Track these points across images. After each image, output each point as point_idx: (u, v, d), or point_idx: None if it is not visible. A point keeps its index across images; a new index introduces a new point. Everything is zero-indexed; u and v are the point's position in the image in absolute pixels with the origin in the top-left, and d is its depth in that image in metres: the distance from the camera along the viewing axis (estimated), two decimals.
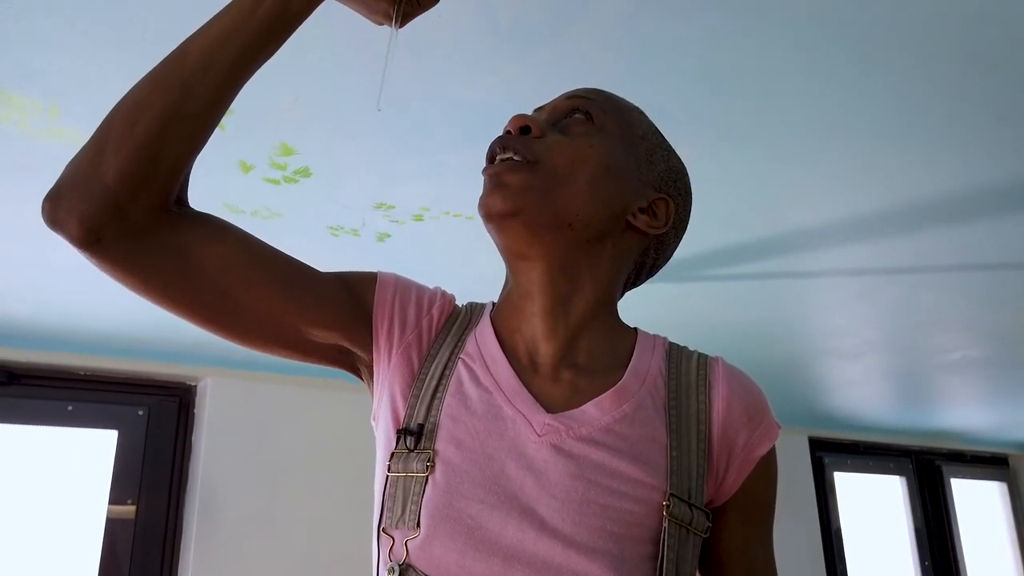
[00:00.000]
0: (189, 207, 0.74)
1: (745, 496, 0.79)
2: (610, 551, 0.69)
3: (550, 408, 0.76)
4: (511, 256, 0.81)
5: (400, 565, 0.70)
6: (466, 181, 1.45)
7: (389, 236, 1.68)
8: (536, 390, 0.77)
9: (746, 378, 0.82)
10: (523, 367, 0.79)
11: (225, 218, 0.76)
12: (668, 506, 0.72)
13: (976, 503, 4.60)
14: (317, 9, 0.73)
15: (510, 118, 0.81)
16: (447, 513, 0.70)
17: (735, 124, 1.31)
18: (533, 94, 1.15)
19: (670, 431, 0.76)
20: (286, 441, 2.56)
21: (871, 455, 4.25)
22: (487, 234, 0.80)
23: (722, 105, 1.25)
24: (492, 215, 0.77)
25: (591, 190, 0.78)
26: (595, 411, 0.75)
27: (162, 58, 0.71)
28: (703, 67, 1.15)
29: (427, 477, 0.72)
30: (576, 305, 0.80)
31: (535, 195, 0.76)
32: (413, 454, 0.74)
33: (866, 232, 1.72)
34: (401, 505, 0.72)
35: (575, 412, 0.75)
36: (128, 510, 2.36)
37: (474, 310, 0.86)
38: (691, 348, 0.85)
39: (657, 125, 0.89)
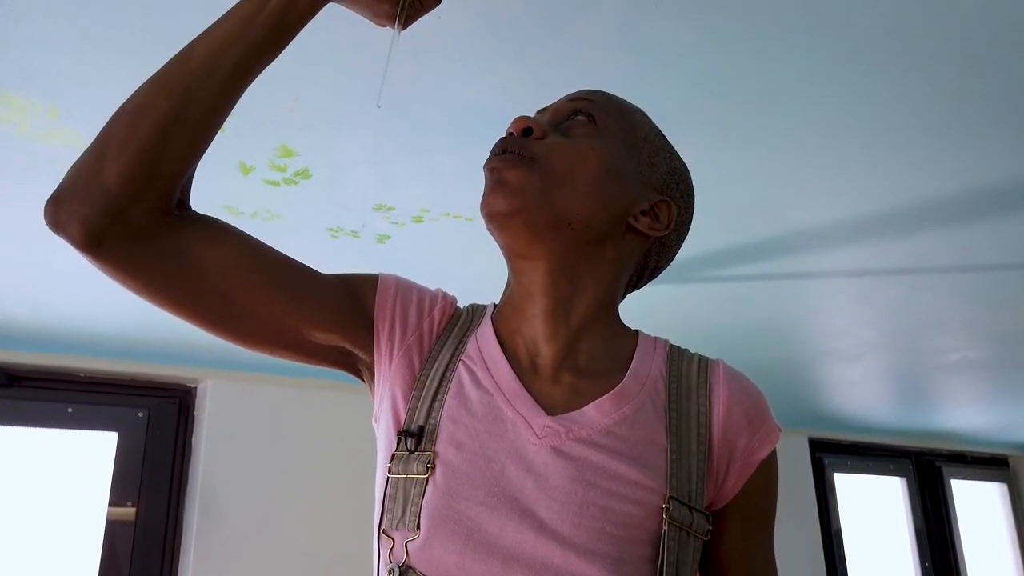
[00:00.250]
0: (191, 210, 0.74)
1: (745, 499, 0.79)
2: (609, 553, 0.69)
3: (550, 410, 0.76)
4: (513, 256, 0.81)
5: (400, 566, 0.70)
6: (466, 182, 1.45)
7: (389, 238, 1.68)
8: (536, 392, 0.77)
9: (747, 381, 0.82)
10: (523, 369, 0.79)
11: (225, 220, 0.76)
12: (668, 509, 0.72)
13: (976, 504, 4.60)
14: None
15: (512, 120, 0.81)
16: (447, 515, 0.70)
17: (735, 125, 1.31)
18: (533, 95, 1.15)
19: (670, 434, 0.76)
20: (286, 443, 2.56)
21: (871, 456, 4.25)
22: (487, 235, 0.80)
23: (722, 106, 1.25)
24: (493, 215, 0.77)
25: (592, 191, 0.78)
26: (595, 413, 0.75)
27: (163, 61, 0.71)
28: (703, 68, 1.15)
29: (427, 479, 0.72)
30: (577, 307, 0.80)
31: (535, 194, 0.76)
32: (413, 456, 0.74)
33: (866, 233, 1.72)
34: (401, 506, 0.72)
35: (575, 414, 0.75)
36: (128, 512, 2.36)
37: (475, 312, 0.86)
38: (692, 350, 0.85)
39: (657, 126, 0.89)
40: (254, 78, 0.73)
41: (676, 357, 0.83)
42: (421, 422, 0.76)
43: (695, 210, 0.91)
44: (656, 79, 1.18)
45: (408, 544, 0.70)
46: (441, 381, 0.78)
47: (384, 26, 0.80)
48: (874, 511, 4.23)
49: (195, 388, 2.56)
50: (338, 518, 2.53)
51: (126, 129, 0.68)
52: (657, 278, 0.91)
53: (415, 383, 0.79)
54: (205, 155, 0.73)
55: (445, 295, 0.86)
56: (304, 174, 1.41)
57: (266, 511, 2.48)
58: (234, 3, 0.72)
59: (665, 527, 0.71)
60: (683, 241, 0.89)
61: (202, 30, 0.72)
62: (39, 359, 2.33)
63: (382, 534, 0.73)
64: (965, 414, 3.81)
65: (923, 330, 2.44)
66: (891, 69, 1.16)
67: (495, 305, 0.86)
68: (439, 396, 0.77)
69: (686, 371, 0.81)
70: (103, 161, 0.67)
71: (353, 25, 0.91)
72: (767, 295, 2.11)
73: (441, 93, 1.20)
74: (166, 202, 0.70)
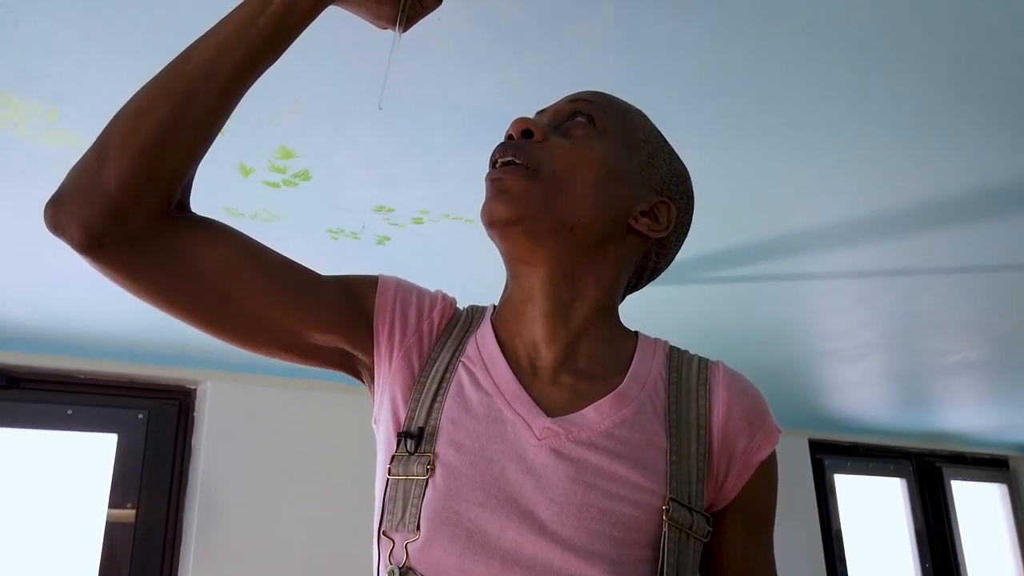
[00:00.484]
0: (191, 211, 0.75)
1: (745, 500, 0.79)
2: (609, 555, 0.69)
3: (550, 412, 0.76)
4: (513, 261, 0.81)
5: (400, 568, 0.70)
6: (466, 184, 1.45)
7: (389, 239, 1.68)
8: (536, 394, 0.77)
9: (746, 382, 0.82)
10: (523, 371, 0.79)
11: (224, 221, 0.76)
12: (668, 510, 0.72)
13: (976, 505, 4.59)
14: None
15: (512, 121, 0.81)
16: (447, 516, 0.70)
17: (735, 125, 1.31)
18: (533, 96, 1.15)
19: (670, 435, 0.76)
20: (286, 444, 2.56)
21: (871, 457, 4.24)
22: (487, 237, 0.80)
23: (722, 106, 1.25)
24: (494, 222, 0.77)
25: (593, 195, 0.78)
26: (595, 415, 0.75)
27: (163, 63, 0.71)
28: (703, 69, 1.15)
29: (427, 480, 0.72)
30: (577, 309, 0.80)
31: (537, 203, 0.76)
32: (413, 457, 0.74)
33: (866, 233, 1.72)
34: (401, 508, 0.72)
35: (575, 416, 0.75)
36: (128, 514, 2.36)
37: (475, 313, 0.86)
38: (691, 352, 0.85)
39: (656, 127, 0.89)
40: (254, 81, 0.73)
41: (676, 358, 0.83)
42: (421, 423, 0.76)
43: (695, 211, 0.91)
44: (656, 80, 1.18)
45: (408, 545, 0.70)
46: (441, 382, 0.78)
47: (385, 28, 0.80)
48: (874, 512, 4.23)
49: (195, 390, 2.56)
50: (338, 520, 2.53)
51: (126, 132, 0.68)
52: (657, 279, 0.91)
53: (415, 384, 0.79)
54: (205, 156, 0.73)
55: (445, 297, 0.86)
56: (304, 175, 1.41)
57: (266, 513, 2.47)
58: (234, 5, 0.72)
59: (665, 529, 0.71)
60: (682, 242, 0.89)
61: (202, 32, 0.72)
62: (39, 361, 2.33)
63: (382, 535, 0.73)
64: (965, 415, 3.81)
65: (923, 331, 2.44)
66: (891, 69, 1.16)
67: (494, 307, 0.86)
68: (439, 397, 0.77)
69: (686, 373, 0.81)
70: (103, 163, 0.67)
71: (353, 26, 0.91)
72: (767, 296, 2.11)
73: (441, 94, 1.20)
74: (166, 204, 0.70)
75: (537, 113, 0.86)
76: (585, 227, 0.78)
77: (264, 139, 1.29)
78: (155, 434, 2.45)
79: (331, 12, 0.77)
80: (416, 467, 0.73)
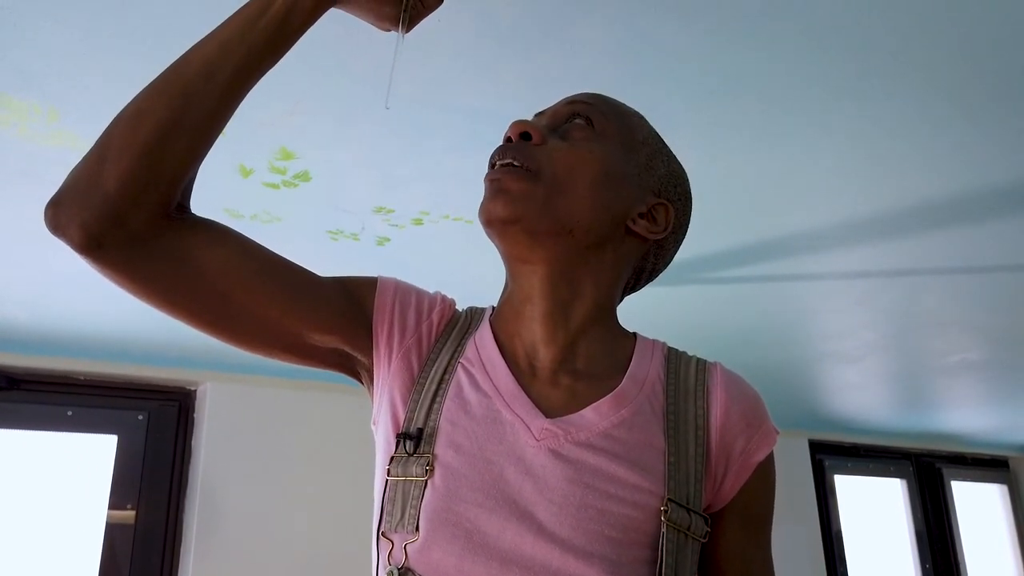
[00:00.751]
0: (191, 213, 0.75)
1: (743, 501, 0.79)
2: (607, 555, 0.69)
3: (549, 413, 0.76)
4: (512, 260, 0.81)
5: (399, 569, 0.70)
6: (466, 185, 1.45)
7: (389, 240, 1.68)
8: (535, 395, 0.77)
9: (744, 383, 0.82)
10: (522, 372, 0.79)
11: (225, 222, 0.77)
12: (666, 511, 0.72)
13: (976, 505, 4.59)
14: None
15: (510, 124, 0.81)
16: (446, 517, 0.70)
17: (735, 126, 1.31)
18: (533, 97, 1.15)
19: (668, 436, 0.76)
20: (286, 445, 2.56)
21: (871, 458, 4.24)
22: (487, 238, 0.80)
23: (722, 107, 1.25)
24: (492, 221, 0.77)
25: (591, 196, 0.78)
26: (593, 416, 0.75)
27: (163, 64, 0.71)
28: (703, 69, 1.15)
29: (426, 481, 0.72)
30: (576, 310, 0.80)
31: (535, 203, 0.76)
32: (412, 458, 0.74)
33: (866, 234, 1.72)
34: (400, 509, 0.72)
35: (573, 417, 0.75)
36: (128, 515, 2.36)
37: (474, 315, 0.86)
38: (690, 353, 0.85)
39: (656, 128, 0.89)
40: (254, 84, 0.73)
41: (674, 360, 0.83)
42: (420, 424, 0.76)
43: (694, 211, 0.91)
44: (656, 81, 1.18)
45: (407, 546, 0.70)
46: (440, 384, 0.78)
47: (387, 30, 0.80)
48: (874, 513, 4.23)
49: (195, 391, 2.56)
50: (338, 521, 2.53)
51: (126, 133, 0.68)
52: (657, 280, 0.91)
53: (414, 385, 0.79)
54: (205, 158, 0.73)
55: (444, 298, 0.86)
56: (304, 176, 1.41)
57: (266, 513, 2.47)
58: (235, 8, 0.72)
59: (663, 529, 0.71)
60: (681, 243, 0.89)
61: (203, 34, 0.72)
62: (38, 362, 2.33)
63: (381, 536, 0.73)
64: (965, 415, 3.81)
65: (923, 332, 2.44)
66: (891, 70, 1.16)
67: (493, 308, 0.86)
68: (438, 399, 0.77)
69: (684, 374, 0.81)
70: (103, 164, 0.67)
71: (353, 28, 0.91)
72: (767, 297, 2.11)
73: (441, 95, 1.20)
74: (166, 205, 0.70)
75: (535, 115, 0.86)
76: (584, 229, 0.78)
77: (264, 140, 1.30)
78: (155, 435, 2.45)
79: (332, 14, 0.77)
80: (415, 468, 0.73)
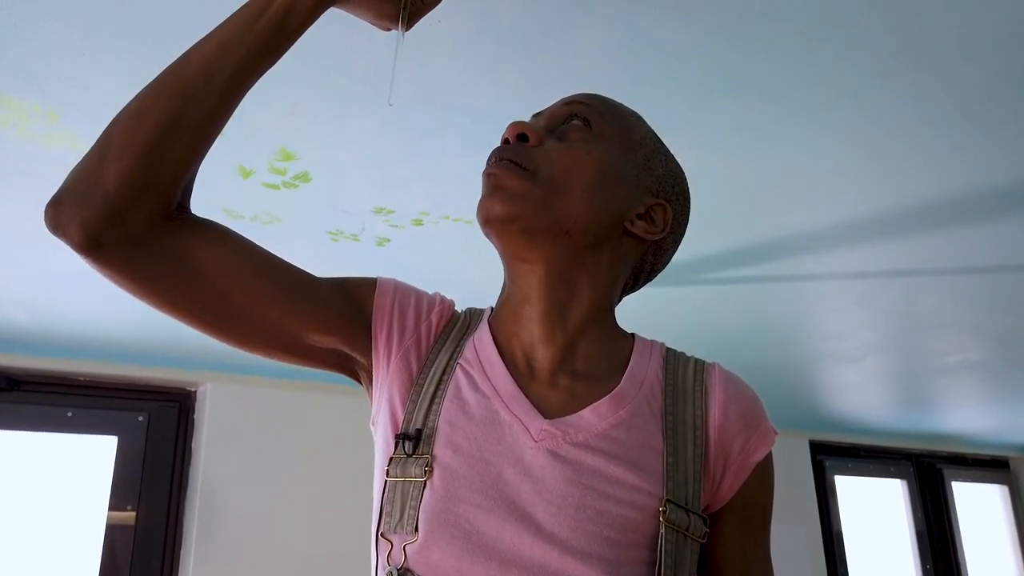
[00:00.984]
0: (190, 213, 0.75)
1: (742, 501, 0.79)
2: (606, 556, 0.69)
3: (547, 414, 0.76)
4: (510, 259, 0.81)
5: (399, 569, 0.70)
6: (465, 185, 1.45)
7: (389, 241, 1.68)
8: (534, 396, 0.77)
9: (743, 384, 0.82)
10: (521, 373, 0.79)
11: (225, 223, 0.77)
12: (664, 512, 0.72)
13: (977, 506, 4.59)
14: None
15: (508, 125, 0.81)
16: (445, 518, 0.70)
17: (735, 126, 1.31)
18: (533, 97, 1.15)
19: (666, 437, 0.76)
20: (286, 446, 2.56)
21: (872, 458, 4.24)
22: (486, 239, 0.80)
23: (721, 108, 1.25)
24: (490, 220, 0.77)
25: (589, 197, 0.78)
26: (592, 417, 0.75)
27: (163, 64, 0.71)
28: (702, 70, 1.15)
29: (425, 482, 0.72)
30: (574, 311, 0.80)
31: (533, 203, 0.76)
32: (411, 459, 0.74)
33: (866, 234, 1.72)
34: (399, 510, 0.72)
35: (572, 418, 0.75)
36: (128, 516, 2.36)
37: (473, 316, 0.86)
38: (688, 353, 0.85)
39: (656, 128, 0.89)
40: (253, 83, 0.73)
41: (672, 360, 0.83)
42: (419, 425, 0.76)
43: (693, 212, 0.91)
44: (656, 81, 1.18)
45: (406, 547, 0.70)
46: (439, 384, 0.78)
47: (387, 28, 0.80)
48: (875, 513, 4.23)
49: (195, 392, 2.56)
50: (338, 521, 2.53)
51: (125, 133, 0.68)
52: (657, 280, 0.91)
53: (412, 386, 0.79)
54: (205, 158, 0.73)
55: (443, 299, 0.86)
56: (304, 177, 1.41)
57: (266, 514, 2.47)
58: (234, 7, 0.72)
59: (662, 530, 0.71)
60: (679, 244, 0.89)
61: (202, 34, 0.72)
62: (39, 363, 2.33)
63: (380, 537, 0.73)
64: (965, 416, 3.81)
65: (923, 332, 2.44)
66: (891, 70, 1.16)
67: (492, 309, 0.86)
68: (436, 399, 0.77)
69: (682, 374, 0.81)
70: (103, 164, 0.68)
71: (353, 28, 0.91)
72: (767, 297, 2.11)
73: (441, 95, 1.20)
74: (165, 206, 0.70)
75: (533, 116, 0.86)
76: (581, 229, 0.78)
77: (264, 141, 1.30)
78: (155, 436, 2.45)
79: (331, 14, 0.77)
80: (414, 469, 0.73)
